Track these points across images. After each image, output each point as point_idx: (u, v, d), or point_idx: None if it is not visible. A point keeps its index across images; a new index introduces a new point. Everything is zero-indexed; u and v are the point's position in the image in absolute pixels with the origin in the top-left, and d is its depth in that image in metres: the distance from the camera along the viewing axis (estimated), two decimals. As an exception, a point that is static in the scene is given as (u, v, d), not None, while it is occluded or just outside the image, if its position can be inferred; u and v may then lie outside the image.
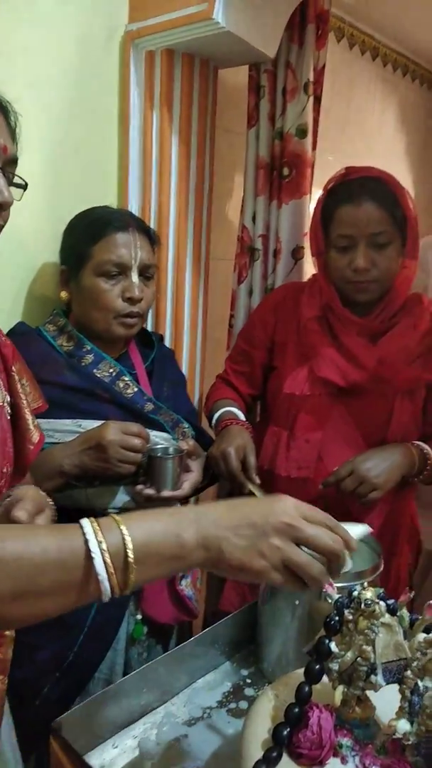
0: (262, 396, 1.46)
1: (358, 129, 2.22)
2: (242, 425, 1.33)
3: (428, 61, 2.43)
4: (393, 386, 1.26)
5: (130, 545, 0.58)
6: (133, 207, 1.43)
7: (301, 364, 1.31)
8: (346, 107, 2.14)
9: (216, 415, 1.35)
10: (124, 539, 0.58)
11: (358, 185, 1.24)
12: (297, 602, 0.98)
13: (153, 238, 1.19)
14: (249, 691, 0.99)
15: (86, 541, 0.57)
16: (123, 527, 0.59)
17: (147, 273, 1.16)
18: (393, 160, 2.37)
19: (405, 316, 1.29)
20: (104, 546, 0.57)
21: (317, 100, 1.48)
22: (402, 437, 1.28)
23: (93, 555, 0.57)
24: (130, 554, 0.58)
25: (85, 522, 0.59)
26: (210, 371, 1.59)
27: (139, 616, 1.14)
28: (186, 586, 1.19)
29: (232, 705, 0.95)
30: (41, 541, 0.57)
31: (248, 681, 1.01)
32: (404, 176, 2.43)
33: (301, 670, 0.75)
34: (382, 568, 0.98)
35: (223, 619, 1.04)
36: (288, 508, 0.65)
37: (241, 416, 1.35)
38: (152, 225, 1.41)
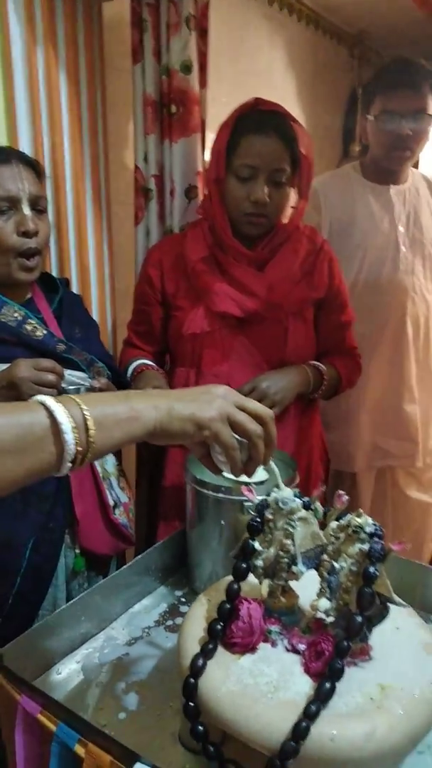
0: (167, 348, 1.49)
1: (250, 68, 2.21)
2: (156, 370, 1.37)
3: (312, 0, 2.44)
4: (284, 309, 1.34)
5: (84, 407, 0.61)
6: (25, 149, 1.38)
7: (196, 305, 1.34)
8: (236, 46, 2.13)
9: (130, 368, 1.38)
10: (77, 402, 0.61)
11: (268, 118, 1.27)
12: (222, 522, 1.03)
13: (38, 170, 1.16)
14: (184, 609, 1.04)
15: (42, 402, 0.60)
16: (74, 397, 0.62)
17: (38, 206, 1.13)
18: (285, 101, 2.39)
19: (285, 242, 1.36)
20: (61, 403, 0.60)
21: (203, 34, 1.47)
22: (298, 356, 1.37)
23: (52, 409, 0.59)
24: (87, 414, 0.61)
25: (34, 396, 0.62)
26: (122, 318, 1.59)
27: (77, 550, 1.17)
28: (120, 515, 1.23)
29: (169, 622, 1.00)
30: None
31: (182, 600, 1.07)
32: (297, 116, 2.45)
33: (230, 576, 0.81)
34: (297, 481, 1.05)
35: (154, 546, 1.09)
36: (223, 386, 0.73)
37: (153, 364, 1.39)
38: (47, 167, 1.37)
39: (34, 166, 1.16)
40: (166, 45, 1.45)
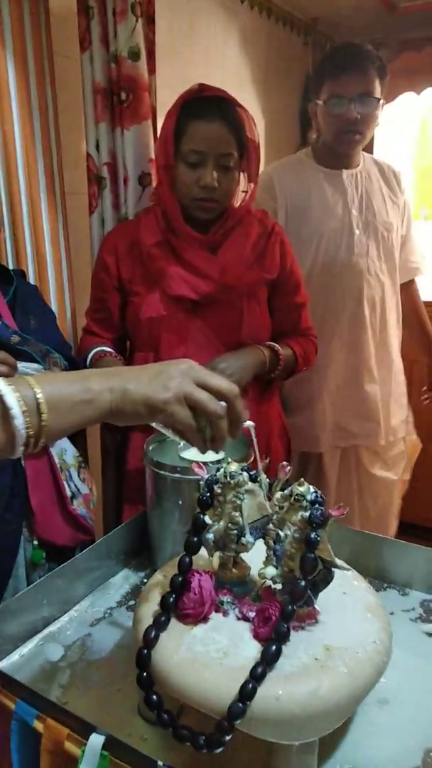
0: (126, 335, 1.50)
1: (204, 56, 2.22)
2: (114, 357, 1.38)
3: (263, -14, 2.45)
4: (238, 291, 1.36)
5: (38, 389, 0.60)
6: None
7: (153, 289, 1.36)
8: (189, 34, 2.14)
9: (89, 356, 1.39)
10: (30, 385, 0.60)
11: (213, 103, 1.28)
12: (180, 502, 1.05)
13: None
14: (146, 589, 1.06)
15: None
16: (28, 378, 0.61)
17: None
18: (240, 89, 2.40)
19: (237, 225, 1.38)
20: (13, 387, 0.59)
21: (150, 21, 1.47)
22: (254, 338, 1.40)
23: (2, 392, 0.58)
24: (40, 396, 0.59)
25: None
26: (81, 308, 1.59)
27: (35, 541, 1.17)
28: (78, 506, 1.24)
29: (132, 603, 1.02)
30: None
31: (145, 581, 1.08)
32: (252, 105, 2.47)
33: (185, 553, 0.83)
34: (252, 458, 1.07)
35: (115, 529, 1.10)
36: (187, 361, 0.71)
37: (112, 351, 1.40)
38: (-1, 158, 1.37)
39: None
40: (114, 32, 1.45)
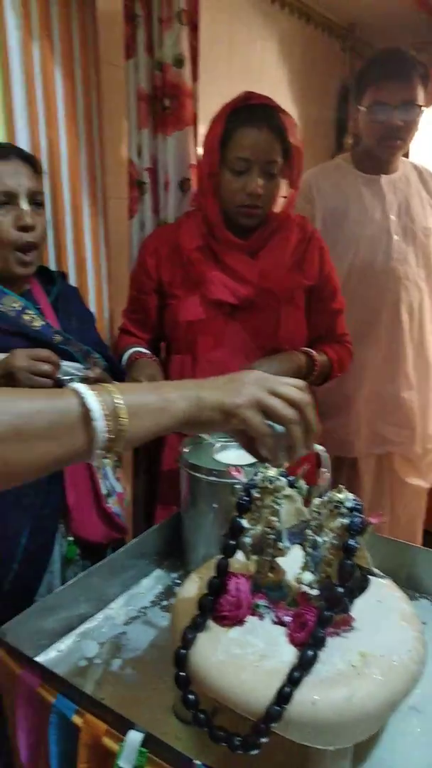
0: (162, 336, 1.52)
1: (242, 62, 2.24)
2: (150, 358, 1.40)
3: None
4: (277, 295, 1.37)
5: (117, 395, 0.61)
6: (23, 144, 1.40)
7: (192, 293, 1.37)
8: (228, 40, 2.16)
9: (125, 356, 1.41)
10: (110, 391, 0.62)
11: (260, 111, 1.30)
12: (215, 505, 1.06)
13: (35, 165, 1.19)
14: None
15: (75, 389, 0.60)
16: (107, 385, 0.63)
17: (36, 200, 1.16)
18: (278, 94, 2.41)
19: (277, 231, 1.40)
20: (95, 392, 0.60)
21: (194, 28, 1.49)
22: (290, 343, 1.40)
23: (85, 396, 0.59)
24: (119, 402, 0.61)
25: (68, 385, 0.62)
26: (118, 310, 1.62)
27: (71, 538, 1.20)
28: (113, 504, 1.26)
29: (165, 603, 1.04)
30: (26, 393, 0.60)
31: (177, 582, 1.10)
32: (289, 110, 2.46)
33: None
34: (286, 465, 1.08)
35: (150, 529, 1.12)
36: (258, 372, 0.72)
37: (148, 352, 1.42)
38: (45, 163, 1.40)
39: (32, 161, 1.19)
40: (159, 39, 1.48)
